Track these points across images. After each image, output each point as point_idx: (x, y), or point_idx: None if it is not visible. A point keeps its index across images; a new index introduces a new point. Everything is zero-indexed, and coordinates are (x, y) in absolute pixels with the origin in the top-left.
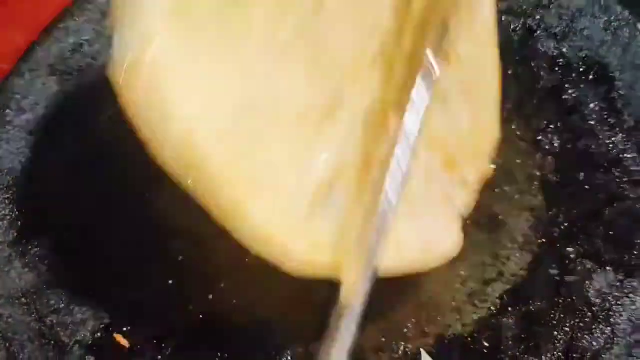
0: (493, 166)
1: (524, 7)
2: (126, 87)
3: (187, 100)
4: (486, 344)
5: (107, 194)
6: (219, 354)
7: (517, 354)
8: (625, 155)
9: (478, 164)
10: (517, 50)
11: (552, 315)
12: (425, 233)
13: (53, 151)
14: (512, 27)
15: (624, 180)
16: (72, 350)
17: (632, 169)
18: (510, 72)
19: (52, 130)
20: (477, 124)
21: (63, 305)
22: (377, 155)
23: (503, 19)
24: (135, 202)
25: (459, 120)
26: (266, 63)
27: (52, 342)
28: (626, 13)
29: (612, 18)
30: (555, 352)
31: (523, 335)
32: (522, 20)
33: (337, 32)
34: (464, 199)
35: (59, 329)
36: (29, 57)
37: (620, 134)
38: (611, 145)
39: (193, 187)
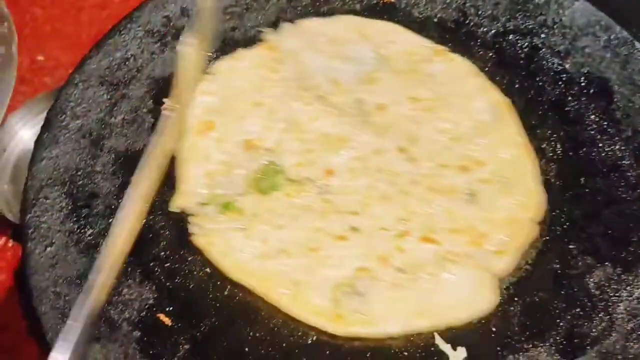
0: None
1: (530, 27)
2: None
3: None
4: (494, 329)
5: None
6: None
7: (523, 338)
8: (623, 161)
9: (519, 231)
10: (523, 66)
11: (554, 305)
12: (467, 295)
13: (102, 152)
14: (518, 44)
15: (622, 184)
16: (120, 327)
17: (629, 174)
18: (517, 86)
19: (102, 133)
20: (515, 202)
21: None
22: None
23: (510, 37)
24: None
25: (490, 209)
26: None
27: (103, 319)
28: (625, 32)
29: (612, 37)
30: (557, 338)
31: (528, 322)
32: (528, 39)
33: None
34: (501, 265)
35: (109, 307)
36: (81, 69)
37: (619, 143)
38: (610, 153)
39: None
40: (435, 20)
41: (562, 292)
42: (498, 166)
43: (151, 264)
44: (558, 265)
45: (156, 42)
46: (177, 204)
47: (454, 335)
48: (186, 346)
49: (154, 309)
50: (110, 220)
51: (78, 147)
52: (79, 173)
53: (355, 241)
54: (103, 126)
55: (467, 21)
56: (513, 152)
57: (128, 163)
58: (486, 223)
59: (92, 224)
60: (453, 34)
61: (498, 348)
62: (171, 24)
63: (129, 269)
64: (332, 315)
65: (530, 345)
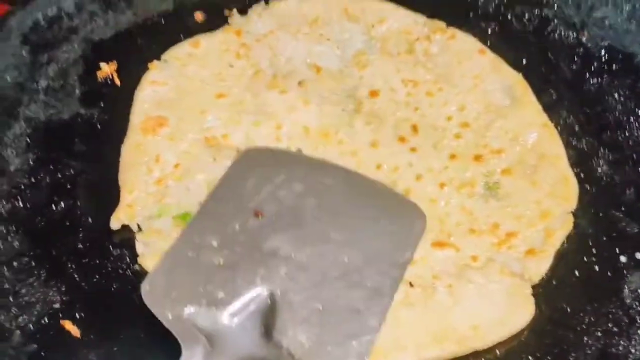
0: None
1: None
2: None
3: None
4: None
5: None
6: None
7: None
8: None
9: (553, 224)
10: (531, 41)
11: (587, 319)
12: (496, 311)
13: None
14: (526, 16)
15: None
16: (10, 337)
17: None
18: (524, 62)
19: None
20: (545, 192)
21: (8, 285)
22: None
23: (516, 8)
24: None
25: (515, 202)
26: None
27: None
28: None
29: (637, 6)
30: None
31: (558, 342)
32: (536, 10)
33: None
34: (535, 268)
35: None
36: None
37: None
38: None
39: None
40: None
41: (596, 305)
42: (519, 153)
43: (64, 258)
44: (593, 267)
45: (97, 1)
46: (120, 218)
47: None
48: None
49: (60, 315)
50: (17, 203)
51: None
52: None
53: None
54: (21, 91)
55: None
56: (536, 136)
57: (48, 136)
58: (512, 219)
59: None
60: (449, 7)
61: None
62: None
63: (33, 263)
64: None
65: None
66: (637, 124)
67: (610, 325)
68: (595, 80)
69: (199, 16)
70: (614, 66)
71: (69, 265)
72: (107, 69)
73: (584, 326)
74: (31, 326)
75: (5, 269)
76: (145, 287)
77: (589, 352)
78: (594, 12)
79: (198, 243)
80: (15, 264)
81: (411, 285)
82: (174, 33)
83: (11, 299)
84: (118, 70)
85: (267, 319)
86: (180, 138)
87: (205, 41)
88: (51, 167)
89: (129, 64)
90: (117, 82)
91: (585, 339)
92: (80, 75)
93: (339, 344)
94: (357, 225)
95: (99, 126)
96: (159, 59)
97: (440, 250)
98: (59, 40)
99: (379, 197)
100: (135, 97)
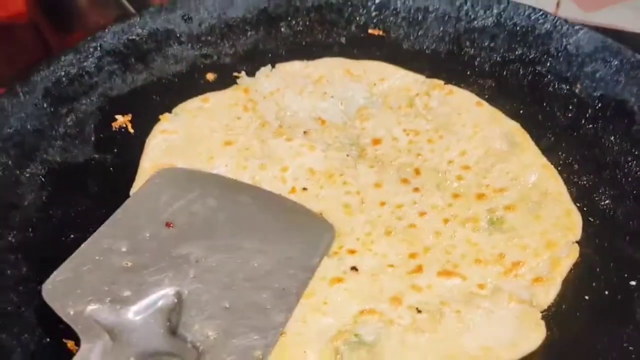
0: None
1: (532, 57)
2: None
3: None
4: None
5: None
6: None
7: None
8: None
9: (559, 253)
10: (527, 93)
11: (600, 341)
12: (506, 334)
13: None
14: (520, 73)
15: None
16: None
17: None
18: (521, 112)
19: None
20: (549, 224)
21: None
22: None
23: (511, 66)
24: None
25: (521, 234)
26: None
27: None
28: (638, 56)
29: (624, 61)
30: None
31: None
32: (530, 68)
33: None
34: (543, 294)
35: None
36: (26, 80)
37: None
38: (639, 174)
39: None
40: (428, 52)
41: (609, 327)
42: (522, 191)
43: None
44: (603, 292)
45: (117, 63)
46: None
47: None
48: None
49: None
50: (26, 234)
51: (5, 155)
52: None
53: (355, 283)
54: (40, 138)
55: (462, 53)
56: (536, 176)
57: (62, 176)
58: (518, 250)
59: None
60: (447, 66)
61: None
62: (136, 46)
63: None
64: None
65: None
66: (634, 163)
67: (625, 345)
68: (590, 125)
69: (210, 76)
70: (607, 112)
71: None
72: (122, 120)
73: (598, 347)
74: (32, 345)
75: (11, 293)
76: (47, 286)
77: None
78: (585, 67)
79: (106, 248)
80: (21, 288)
81: (419, 311)
82: (186, 91)
83: (15, 319)
84: (132, 121)
85: (173, 315)
86: None
87: (214, 97)
88: (63, 204)
89: (142, 116)
90: (131, 130)
91: (602, 357)
92: (96, 124)
93: (245, 336)
94: (268, 235)
95: (111, 169)
96: (170, 112)
97: (446, 279)
98: (78, 94)
99: (290, 212)
100: (147, 145)
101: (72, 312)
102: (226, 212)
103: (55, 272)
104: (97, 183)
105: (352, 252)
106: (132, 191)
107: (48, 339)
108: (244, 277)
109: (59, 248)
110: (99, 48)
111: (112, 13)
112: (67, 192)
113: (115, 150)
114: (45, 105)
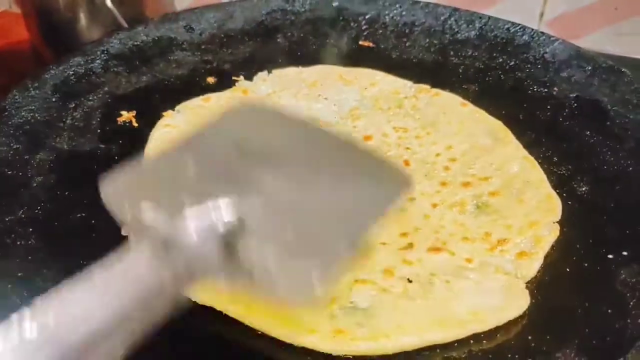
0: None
1: (512, 64)
2: None
3: None
4: (520, 335)
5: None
6: None
7: (550, 342)
8: (629, 169)
9: (541, 232)
10: (508, 96)
11: (583, 305)
12: (493, 300)
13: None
14: (502, 79)
15: (632, 190)
16: None
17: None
18: (504, 112)
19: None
20: (531, 207)
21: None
22: None
23: (492, 73)
24: None
25: (505, 216)
26: None
27: None
28: (609, 62)
29: (596, 66)
30: (587, 340)
31: (555, 326)
32: (510, 74)
33: None
34: (526, 268)
35: None
36: (37, 76)
37: (622, 153)
38: (614, 162)
39: None
40: (415, 61)
41: (590, 293)
42: (505, 179)
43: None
44: (583, 264)
45: (122, 65)
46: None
47: (477, 344)
48: None
49: None
50: (35, 210)
51: (15, 141)
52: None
53: None
54: (49, 127)
55: (447, 61)
56: (518, 167)
57: (70, 162)
58: (503, 229)
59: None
60: (433, 73)
61: (518, 356)
62: (141, 51)
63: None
64: (329, 331)
65: (556, 349)
66: (609, 153)
67: (604, 308)
68: (567, 122)
69: (210, 80)
70: (583, 111)
71: (82, 262)
72: (126, 115)
73: (580, 311)
74: None
75: (21, 261)
76: (104, 184)
77: (586, 330)
78: (561, 72)
79: (175, 161)
80: (30, 257)
81: (410, 281)
82: (188, 92)
83: (25, 285)
84: (136, 117)
85: (232, 238)
86: None
87: (215, 97)
88: (71, 186)
89: (146, 112)
90: (135, 124)
91: (582, 320)
92: (102, 118)
93: (303, 263)
94: (343, 175)
95: (116, 157)
96: (172, 110)
97: (436, 254)
98: (85, 91)
99: (368, 158)
100: (151, 136)
101: (127, 210)
102: (304, 147)
103: (114, 173)
104: (103, 169)
105: None
106: None
107: None
108: (311, 210)
109: (66, 224)
110: (105, 52)
111: (109, 30)
112: (74, 176)
113: (120, 141)
114: (54, 99)
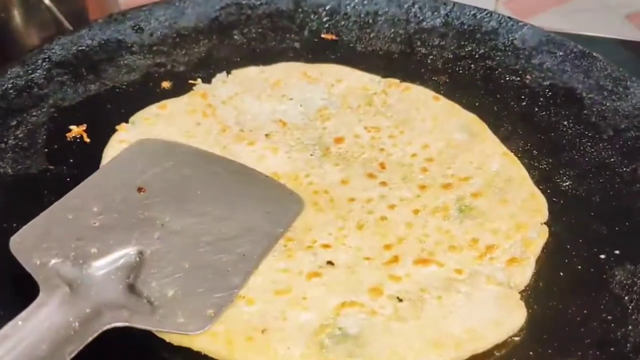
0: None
1: (481, 52)
2: None
3: None
4: (521, 349)
5: None
6: None
7: (553, 354)
8: (611, 159)
9: (530, 235)
10: (480, 87)
11: (581, 313)
12: (488, 314)
13: None
14: (472, 68)
15: (616, 180)
16: None
17: (620, 170)
18: (477, 104)
19: None
20: (516, 208)
21: None
22: None
23: (462, 62)
24: None
25: (490, 219)
26: None
27: None
28: (580, 46)
29: (568, 51)
30: (590, 349)
31: (555, 336)
32: (480, 63)
33: None
34: (517, 277)
35: None
36: None
37: (602, 143)
38: (595, 153)
39: None
40: (381, 53)
41: (586, 299)
42: (486, 178)
43: None
44: (576, 267)
45: (67, 74)
46: None
47: None
48: None
49: None
50: None
51: None
52: None
53: (333, 276)
54: None
55: (414, 52)
56: (499, 164)
57: (16, 188)
58: (489, 234)
59: None
60: (401, 65)
61: None
62: (86, 57)
63: None
64: None
65: None
66: (588, 144)
67: (604, 315)
68: (543, 112)
69: (165, 84)
70: (558, 100)
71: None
72: (76, 130)
73: (578, 319)
74: None
75: None
76: (15, 238)
77: (588, 341)
78: (532, 59)
79: (77, 207)
80: None
81: (400, 300)
82: (142, 99)
83: None
84: (87, 131)
85: (133, 272)
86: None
87: (171, 104)
88: (18, 216)
89: (97, 125)
90: (87, 140)
91: (582, 330)
92: (49, 135)
93: (200, 295)
94: (237, 203)
95: (68, 179)
96: (127, 122)
97: (424, 267)
98: (28, 106)
99: (261, 184)
100: (105, 155)
101: (37, 263)
102: (199, 180)
103: (25, 227)
104: (54, 194)
105: (326, 246)
106: None
107: None
108: (207, 241)
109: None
110: (47, 59)
111: (49, 34)
112: (21, 203)
113: (71, 160)
114: None
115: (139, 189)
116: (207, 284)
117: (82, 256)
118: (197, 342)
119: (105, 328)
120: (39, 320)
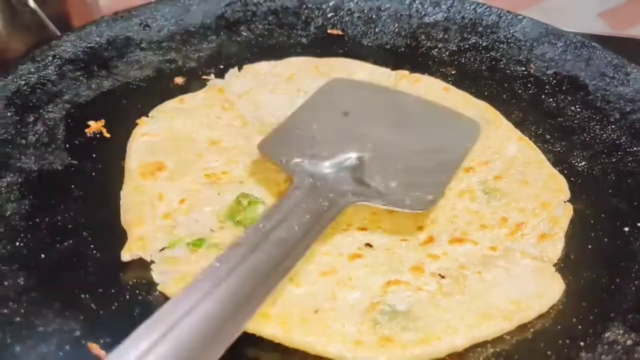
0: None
1: (485, 44)
2: None
3: None
4: (563, 319)
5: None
6: None
7: (594, 322)
8: (621, 140)
9: (556, 211)
10: (487, 77)
11: (615, 281)
12: (529, 287)
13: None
14: (477, 59)
15: (629, 159)
16: None
17: (631, 150)
18: (486, 93)
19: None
20: (539, 188)
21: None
22: None
23: (467, 54)
24: None
25: (516, 199)
26: None
27: None
28: (578, 37)
29: (568, 42)
30: (628, 315)
31: (593, 304)
32: (485, 54)
33: None
34: (549, 251)
35: None
36: None
37: (610, 126)
38: (604, 135)
39: None
40: (387, 47)
41: (617, 269)
42: (506, 162)
43: (76, 290)
44: (603, 240)
45: (79, 70)
46: (132, 251)
47: (522, 333)
48: None
49: (82, 342)
50: (16, 244)
51: None
52: None
53: (374, 257)
54: (10, 147)
55: (420, 45)
56: (515, 148)
57: (42, 184)
58: (517, 212)
59: None
60: (408, 58)
61: (568, 341)
62: (96, 54)
63: (44, 297)
64: (376, 340)
65: (603, 328)
66: (597, 127)
67: (637, 282)
68: (551, 99)
69: (178, 80)
70: (563, 87)
71: (83, 296)
72: (95, 125)
73: (612, 287)
74: (52, 355)
75: (14, 304)
76: (262, 143)
77: (625, 306)
78: (534, 50)
79: (301, 125)
80: (24, 298)
81: (442, 276)
82: (157, 94)
83: (25, 331)
84: (106, 126)
85: (358, 171)
86: (180, 179)
87: (189, 99)
88: (49, 211)
89: (115, 120)
90: (107, 135)
91: (618, 296)
92: (69, 131)
93: (420, 186)
94: (427, 126)
95: (93, 174)
96: (145, 116)
97: (459, 246)
98: (43, 102)
99: (443, 111)
100: (129, 148)
101: (283, 161)
102: (391, 107)
103: (265, 137)
104: (81, 188)
105: (362, 229)
106: (122, 193)
107: (68, 347)
108: (413, 150)
109: (53, 256)
110: (57, 56)
111: (35, 38)
112: (50, 199)
113: (94, 155)
114: (9, 114)
115: (345, 113)
116: (422, 179)
117: (316, 157)
118: (251, 325)
119: (350, 206)
120: (297, 200)
